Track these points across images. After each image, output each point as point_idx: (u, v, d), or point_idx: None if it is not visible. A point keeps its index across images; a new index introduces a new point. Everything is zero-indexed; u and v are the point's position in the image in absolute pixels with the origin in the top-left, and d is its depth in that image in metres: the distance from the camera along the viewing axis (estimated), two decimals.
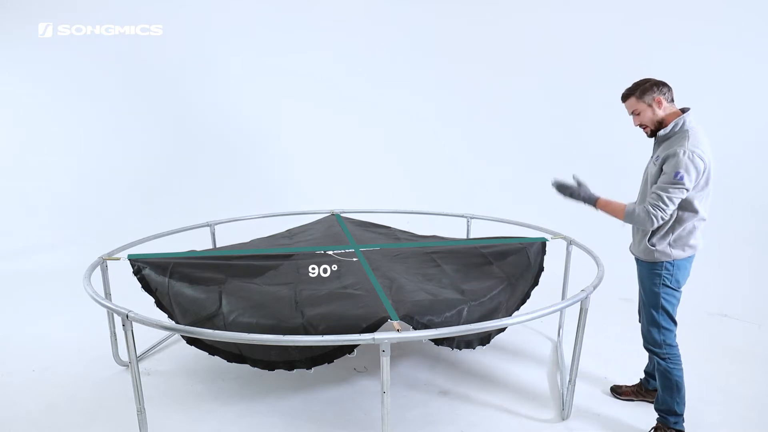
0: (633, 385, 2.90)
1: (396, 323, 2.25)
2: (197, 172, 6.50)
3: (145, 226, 4.24)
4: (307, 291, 2.76)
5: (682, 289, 2.43)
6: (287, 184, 6.48)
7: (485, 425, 2.64)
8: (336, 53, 6.41)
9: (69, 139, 6.22)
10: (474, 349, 2.74)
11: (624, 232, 2.64)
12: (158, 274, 2.93)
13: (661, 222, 2.24)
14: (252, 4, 6.35)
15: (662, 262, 2.36)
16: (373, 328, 2.26)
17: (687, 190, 2.19)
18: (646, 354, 2.68)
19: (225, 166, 6.55)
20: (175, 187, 6.38)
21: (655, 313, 2.42)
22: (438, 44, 6.27)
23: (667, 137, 2.30)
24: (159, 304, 2.92)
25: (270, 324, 2.42)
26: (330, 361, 2.42)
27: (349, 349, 2.39)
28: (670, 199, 2.20)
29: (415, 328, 2.32)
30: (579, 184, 2.55)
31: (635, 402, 2.83)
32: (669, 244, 2.33)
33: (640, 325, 2.59)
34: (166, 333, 3.57)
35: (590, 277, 2.66)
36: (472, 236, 4.01)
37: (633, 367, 3.09)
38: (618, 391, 2.89)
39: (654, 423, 2.55)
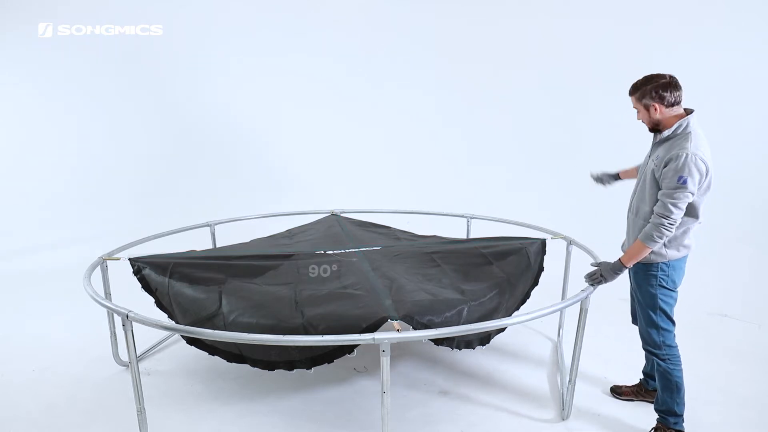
0: (633, 386, 2.90)
1: (396, 323, 2.25)
2: (197, 172, 6.50)
3: (145, 226, 4.25)
4: (307, 291, 2.76)
5: (678, 289, 2.43)
6: (287, 184, 6.48)
7: (485, 425, 2.64)
8: (336, 53, 6.41)
9: (69, 139, 6.22)
10: (474, 349, 2.74)
11: (624, 232, 2.64)
12: (158, 274, 2.93)
13: (674, 228, 2.23)
14: (252, 4, 6.35)
15: (658, 263, 2.36)
16: (373, 328, 2.26)
17: (692, 193, 2.17)
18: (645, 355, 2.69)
19: (225, 166, 6.55)
20: (175, 187, 6.39)
21: (652, 314, 2.42)
22: (438, 44, 6.27)
23: (668, 138, 2.28)
24: (159, 304, 2.92)
25: (270, 324, 2.42)
26: (330, 361, 2.42)
27: (349, 349, 2.39)
28: (675, 205, 2.18)
29: (415, 328, 2.32)
30: (598, 264, 2.54)
31: (635, 402, 2.83)
32: (664, 245, 2.33)
33: (638, 326, 2.59)
34: (166, 333, 3.57)
35: None
36: (472, 236, 4.01)
37: (633, 367, 3.09)
38: (618, 392, 2.89)
39: (654, 423, 2.55)
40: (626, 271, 2.49)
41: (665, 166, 2.20)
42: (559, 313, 3.57)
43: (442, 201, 5.38)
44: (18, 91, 6.02)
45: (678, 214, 2.20)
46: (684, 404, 2.46)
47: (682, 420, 2.48)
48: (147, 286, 2.97)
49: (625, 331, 3.61)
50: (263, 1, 6.37)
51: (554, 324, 3.69)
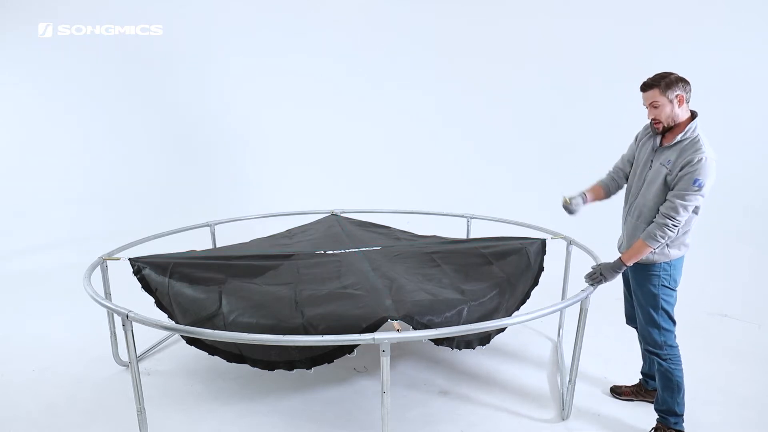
0: (632, 386, 2.90)
1: (396, 323, 2.24)
2: (197, 172, 6.50)
3: (145, 226, 4.25)
4: (307, 291, 2.76)
5: (678, 288, 2.43)
6: (287, 184, 6.48)
7: (485, 425, 2.64)
8: (336, 53, 6.41)
9: (69, 139, 6.22)
10: (474, 349, 2.74)
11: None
12: (158, 274, 2.93)
13: (677, 230, 2.22)
14: (252, 4, 6.35)
15: (660, 263, 2.36)
16: (373, 328, 2.26)
17: (703, 197, 2.17)
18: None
19: (225, 166, 6.55)
20: (175, 187, 6.38)
21: (654, 314, 2.41)
22: (438, 44, 6.27)
23: (678, 142, 2.25)
24: (159, 304, 2.92)
25: (270, 324, 2.42)
26: (330, 361, 2.42)
27: (349, 349, 2.39)
28: (684, 207, 2.18)
29: (415, 328, 2.32)
30: (600, 265, 2.52)
31: (635, 402, 2.84)
32: (667, 245, 2.33)
33: (637, 327, 2.58)
34: (166, 333, 3.57)
35: None
36: (472, 236, 4.01)
37: (633, 367, 3.08)
38: (618, 392, 2.89)
39: (654, 423, 2.55)
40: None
41: (681, 170, 2.18)
42: (559, 313, 3.57)
43: (442, 201, 5.38)
44: (18, 91, 6.01)
45: (684, 217, 2.20)
46: (684, 404, 2.47)
47: (682, 420, 2.48)
48: (147, 286, 2.97)
49: (625, 331, 3.59)
50: (263, 1, 6.37)
51: (554, 324, 3.69)
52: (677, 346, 2.44)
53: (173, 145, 6.48)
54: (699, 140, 2.20)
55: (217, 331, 2.17)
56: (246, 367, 2.56)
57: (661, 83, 2.21)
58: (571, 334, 2.72)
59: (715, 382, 3.05)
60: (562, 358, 3.32)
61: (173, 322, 2.73)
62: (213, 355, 2.62)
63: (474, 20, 6.08)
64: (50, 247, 5.71)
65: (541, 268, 3.28)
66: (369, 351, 2.73)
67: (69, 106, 6.18)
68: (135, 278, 2.99)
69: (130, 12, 6.09)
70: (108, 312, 3.06)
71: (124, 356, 3.14)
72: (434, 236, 3.97)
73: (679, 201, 2.18)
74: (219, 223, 4.14)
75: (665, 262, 2.35)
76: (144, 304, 2.69)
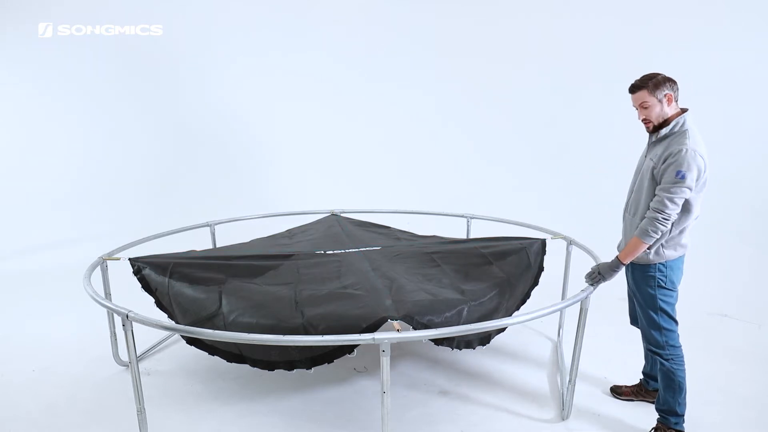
0: (633, 386, 2.89)
1: (396, 323, 2.24)
2: (197, 172, 6.50)
3: (145, 226, 4.25)
4: (307, 291, 2.76)
5: (678, 288, 2.43)
6: (287, 183, 6.48)
7: (485, 425, 2.64)
8: (336, 53, 6.41)
9: (69, 139, 6.22)
10: (474, 349, 2.73)
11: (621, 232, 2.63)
12: (158, 274, 2.93)
13: (669, 223, 2.22)
14: (252, 4, 6.35)
15: (655, 264, 2.36)
16: (373, 328, 2.26)
17: (689, 189, 2.17)
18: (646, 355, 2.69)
19: (225, 166, 6.55)
20: (175, 187, 6.39)
21: (654, 315, 2.41)
22: (438, 44, 6.27)
23: (666, 136, 2.28)
24: (159, 304, 2.92)
25: (270, 324, 2.42)
26: (330, 361, 2.42)
27: (349, 349, 2.39)
28: (671, 200, 2.18)
29: (415, 328, 2.31)
30: (599, 265, 2.52)
31: (635, 402, 2.83)
32: (662, 245, 2.32)
33: (639, 327, 2.58)
34: (166, 333, 3.57)
35: None
36: (472, 236, 4.01)
37: (633, 367, 3.09)
38: (618, 392, 2.89)
39: (654, 423, 2.55)
40: (623, 272, 2.50)
41: (664, 162, 2.21)
42: (559, 313, 3.57)
43: (442, 201, 5.39)
44: (18, 91, 6.02)
45: (673, 209, 2.20)
46: (685, 404, 2.46)
47: (683, 420, 2.48)
48: (147, 286, 2.97)
49: (625, 331, 3.60)
50: (263, 1, 6.38)
51: (554, 324, 3.69)
52: (680, 347, 2.44)
53: (173, 145, 6.48)
54: (686, 134, 2.21)
55: (217, 331, 2.17)
56: (246, 367, 2.56)
57: (649, 84, 2.26)
58: (571, 334, 2.72)
59: (715, 382, 3.04)
60: (562, 358, 3.32)
61: (173, 322, 2.73)
62: (213, 355, 2.62)
63: (474, 20, 6.08)
64: (50, 247, 5.71)
65: (541, 268, 3.28)
66: (369, 351, 2.73)
67: (69, 106, 6.19)
68: (135, 278, 2.99)
69: (130, 12, 6.09)
70: (108, 312, 3.06)
71: (124, 356, 3.14)
72: (434, 236, 3.97)
73: (665, 194, 2.19)
74: (219, 223, 4.14)
75: (661, 263, 2.35)
76: (144, 304, 2.69)
